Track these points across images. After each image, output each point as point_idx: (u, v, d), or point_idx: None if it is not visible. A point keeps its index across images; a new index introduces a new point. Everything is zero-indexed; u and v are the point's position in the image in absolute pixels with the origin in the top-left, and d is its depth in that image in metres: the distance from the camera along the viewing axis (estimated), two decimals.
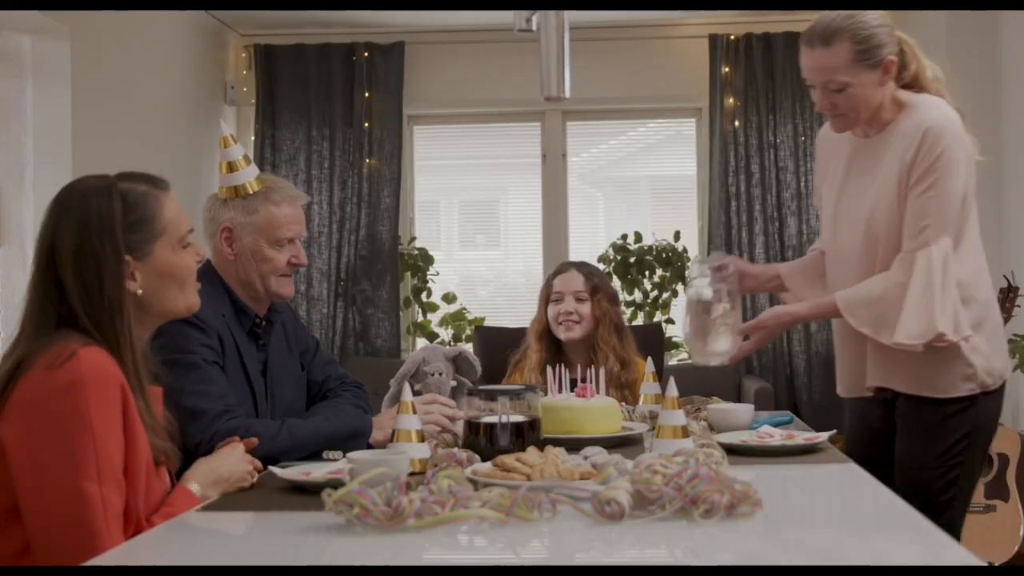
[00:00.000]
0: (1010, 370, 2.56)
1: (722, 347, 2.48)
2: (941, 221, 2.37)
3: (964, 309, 2.40)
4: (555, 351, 3.31)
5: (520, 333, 3.50)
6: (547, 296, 3.35)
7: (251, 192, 2.46)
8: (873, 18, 2.45)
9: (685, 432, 2.02)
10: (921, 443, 2.46)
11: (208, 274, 2.47)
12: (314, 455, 2.25)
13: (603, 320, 3.28)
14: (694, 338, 2.49)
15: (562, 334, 3.29)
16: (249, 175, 2.46)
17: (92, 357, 1.69)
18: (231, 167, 2.46)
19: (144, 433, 1.75)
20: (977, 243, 2.50)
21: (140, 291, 1.82)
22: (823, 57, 2.42)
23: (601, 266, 5.84)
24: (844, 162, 2.58)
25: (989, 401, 2.48)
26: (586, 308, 3.29)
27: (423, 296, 5.99)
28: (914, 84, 2.50)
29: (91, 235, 1.77)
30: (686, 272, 5.88)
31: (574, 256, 6.04)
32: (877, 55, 2.42)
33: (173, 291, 1.88)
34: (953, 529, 2.42)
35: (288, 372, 2.57)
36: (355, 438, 2.33)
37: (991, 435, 2.53)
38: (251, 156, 5.96)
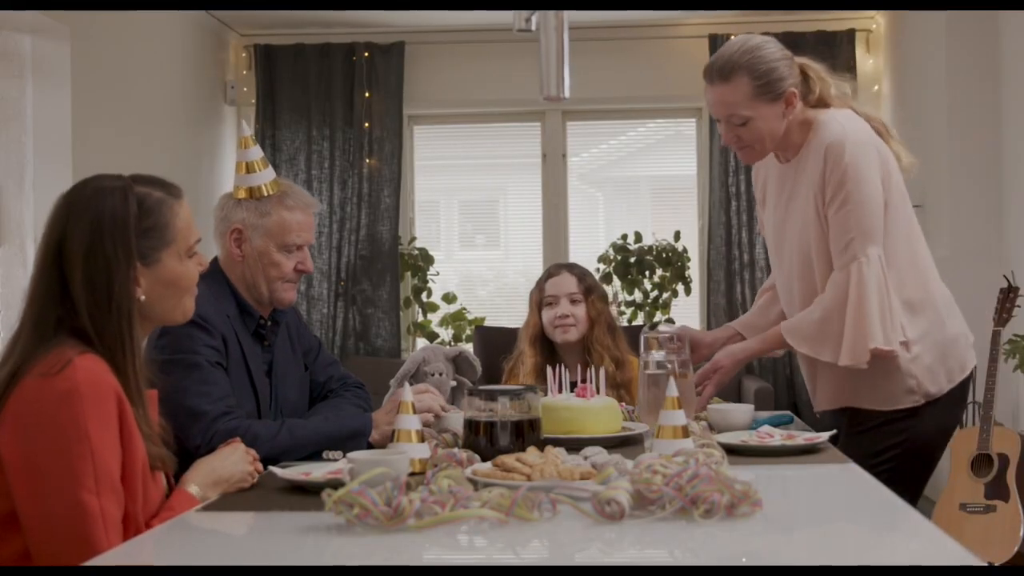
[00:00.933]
0: (966, 372, 2.50)
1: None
2: (863, 232, 2.37)
3: (907, 315, 2.41)
4: (549, 354, 3.27)
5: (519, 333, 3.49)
6: (539, 300, 3.29)
7: (266, 195, 2.46)
8: (771, 52, 2.45)
9: (685, 432, 2.02)
10: (853, 446, 2.45)
11: (214, 274, 2.47)
12: (314, 455, 2.25)
13: (598, 321, 3.24)
14: (648, 412, 2.47)
15: (558, 337, 3.24)
16: (266, 177, 2.46)
17: (88, 365, 1.67)
18: (248, 168, 2.46)
19: (141, 440, 1.74)
20: (914, 248, 2.49)
21: (143, 297, 1.80)
22: (723, 92, 2.44)
23: (601, 266, 5.86)
24: (775, 189, 2.61)
25: (935, 410, 2.46)
26: (581, 310, 3.24)
27: (423, 296, 6.00)
28: (820, 104, 2.51)
29: (103, 236, 1.75)
30: (686, 273, 5.88)
31: (574, 256, 6.05)
32: (777, 88, 2.43)
33: (174, 300, 1.86)
34: None
35: (292, 372, 2.57)
36: (355, 438, 2.33)
37: (935, 442, 2.51)
38: None
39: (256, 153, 2.46)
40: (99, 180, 1.82)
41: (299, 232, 2.48)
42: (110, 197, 1.78)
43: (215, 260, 2.52)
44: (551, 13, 2.18)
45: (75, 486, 1.63)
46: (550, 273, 3.36)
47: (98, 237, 1.75)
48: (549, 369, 2.54)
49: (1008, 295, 4.25)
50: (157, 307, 1.84)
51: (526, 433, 2.12)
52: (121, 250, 1.76)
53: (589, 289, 3.28)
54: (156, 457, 1.78)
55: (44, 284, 1.76)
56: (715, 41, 5.84)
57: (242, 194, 2.46)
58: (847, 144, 2.38)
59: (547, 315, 3.26)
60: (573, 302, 3.25)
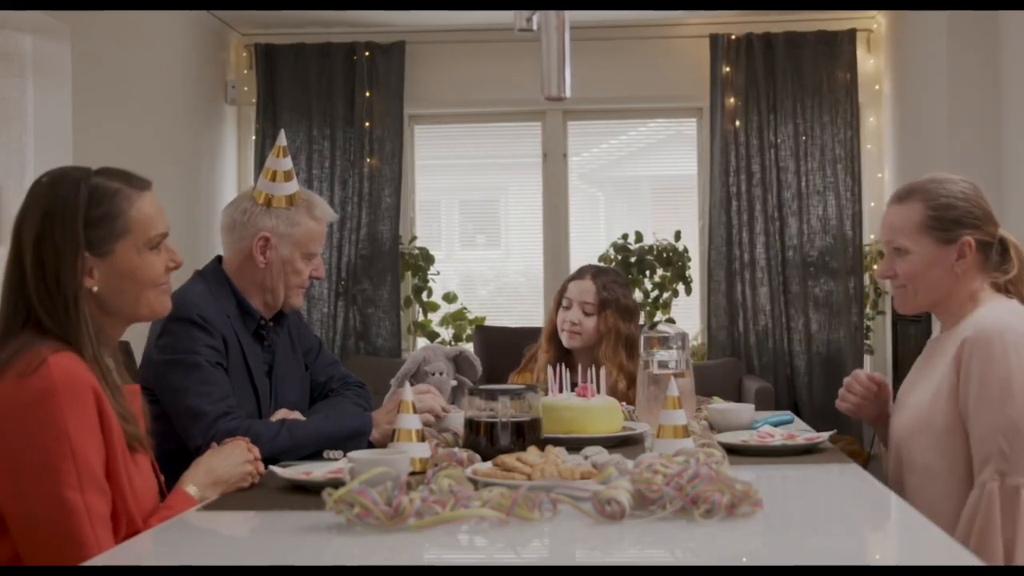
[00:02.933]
0: None
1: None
2: (1001, 454, 2.00)
3: None
4: (563, 353, 3.24)
5: (520, 333, 3.49)
6: (559, 299, 3.28)
7: (284, 207, 2.47)
8: (959, 188, 2.19)
9: (685, 432, 2.02)
10: None
11: (215, 274, 2.47)
12: (315, 455, 2.25)
13: (607, 336, 3.17)
14: (648, 411, 2.46)
15: (564, 341, 3.24)
16: (289, 190, 2.49)
17: (62, 363, 1.67)
18: (274, 176, 2.48)
19: (121, 433, 1.73)
20: None
21: (96, 288, 1.77)
22: (893, 213, 2.21)
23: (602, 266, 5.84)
24: (925, 352, 2.32)
25: None
26: (591, 322, 3.19)
27: (424, 296, 5.99)
28: (1011, 288, 2.19)
29: (53, 224, 1.74)
30: (686, 273, 5.88)
31: (575, 256, 6.04)
32: (951, 230, 2.15)
33: (133, 293, 1.82)
34: None
35: (292, 373, 2.57)
36: (355, 437, 2.33)
37: None
38: (251, 156, 6.00)
39: (287, 164, 2.50)
40: (60, 170, 1.82)
41: (320, 241, 2.54)
42: (62, 186, 1.78)
43: (217, 260, 2.53)
44: (552, 13, 2.18)
45: (58, 485, 1.62)
46: (577, 274, 3.31)
47: (47, 225, 1.74)
48: (550, 369, 2.54)
49: (1008, 295, 4.24)
50: (115, 300, 1.80)
51: (526, 433, 2.13)
52: (69, 237, 1.74)
53: (605, 303, 3.20)
54: (133, 437, 1.76)
55: (8, 277, 1.76)
56: (716, 41, 5.83)
57: (261, 199, 2.47)
58: (993, 343, 2.04)
59: (559, 316, 3.25)
60: (585, 313, 3.20)
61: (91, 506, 1.64)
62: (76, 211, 1.76)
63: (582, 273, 3.30)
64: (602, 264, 3.43)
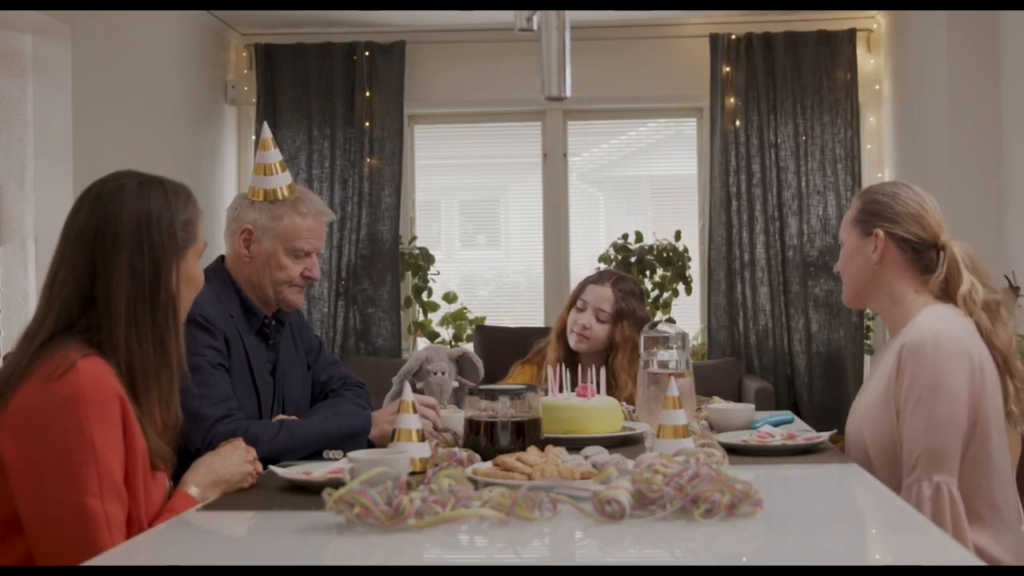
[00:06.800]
0: None
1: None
2: (931, 453, 2.06)
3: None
4: (569, 353, 3.20)
5: (520, 333, 3.48)
6: (574, 299, 3.22)
7: (281, 198, 2.46)
8: (895, 190, 2.29)
9: (685, 432, 2.02)
10: None
11: (218, 273, 2.47)
12: (315, 454, 2.25)
13: (623, 347, 3.11)
14: (648, 411, 2.46)
15: (571, 342, 3.19)
16: (282, 181, 2.47)
17: (91, 369, 1.67)
18: (266, 170, 2.46)
19: (143, 441, 1.74)
20: (992, 489, 2.11)
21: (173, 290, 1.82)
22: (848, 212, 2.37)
23: (602, 266, 5.84)
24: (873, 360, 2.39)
25: None
26: (602, 329, 3.13)
27: (424, 295, 6.00)
28: (946, 297, 2.24)
29: (151, 226, 1.77)
30: (686, 273, 5.88)
31: (575, 255, 6.05)
32: (869, 223, 2.27)
33: (188, 299, 1.87)
34: None
35: (295, 371, 2.57)
36: (355, 437, 2.33)
37: None
38: (251, 156, 5.99)
39: (275, 156, 2.48)
40: (133, 175, 1.83)
41: (309, 239, 2.49)
42: (154, 190, 1.81)
43: (220, 259, 2.53)
44: (552, 13, 2.18)
45: (79, 491, 1.62)
46: (596, 278, 3.25)
47: (146, 226, 1.77)
48: (550, 369, 2.54)
49: (1008, 295, 4.24)
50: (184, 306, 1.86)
51: (527, 433, 2.13)
52: (168, 240, 1.79)
53: (622, 313, 3.14)
54: (157, 455, 1.78)
55: (71, 276, 1.75)
56: (716, 41, 5.83)
57: (259, 196, 2.47)
58: (925, 351, 2.09)
59: (571, 317, 3.20)
60: (599, 319, 3.15)
61: (110, 513, 1.64)
62: (173, 214, 1.81)
63: (602, 278, 3.23)
64: (621, 272, 3.37)
